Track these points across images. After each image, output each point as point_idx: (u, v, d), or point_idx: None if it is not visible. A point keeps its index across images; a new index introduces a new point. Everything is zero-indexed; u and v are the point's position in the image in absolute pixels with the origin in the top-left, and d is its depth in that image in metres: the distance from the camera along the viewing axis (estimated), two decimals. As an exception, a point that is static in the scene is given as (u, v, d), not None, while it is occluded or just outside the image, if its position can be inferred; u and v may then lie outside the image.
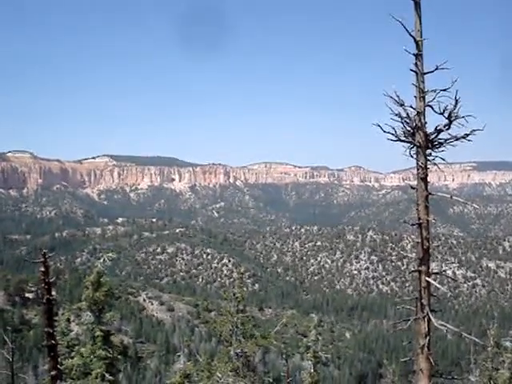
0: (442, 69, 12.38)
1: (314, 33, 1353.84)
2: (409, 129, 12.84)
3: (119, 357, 21.59)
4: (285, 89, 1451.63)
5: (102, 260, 21.42)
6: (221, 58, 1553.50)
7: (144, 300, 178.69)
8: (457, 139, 12.80)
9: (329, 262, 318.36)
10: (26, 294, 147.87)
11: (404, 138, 12.92)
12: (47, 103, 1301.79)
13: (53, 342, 19.47)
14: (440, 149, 12.94)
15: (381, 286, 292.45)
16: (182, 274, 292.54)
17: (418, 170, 12.96)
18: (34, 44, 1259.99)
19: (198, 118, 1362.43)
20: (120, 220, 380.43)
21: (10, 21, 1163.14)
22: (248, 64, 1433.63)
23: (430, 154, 12.94)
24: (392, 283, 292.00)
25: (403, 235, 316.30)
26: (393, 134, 12.90)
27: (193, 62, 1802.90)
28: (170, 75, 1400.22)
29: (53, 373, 19.62)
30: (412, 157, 13.03)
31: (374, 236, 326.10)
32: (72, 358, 20.93)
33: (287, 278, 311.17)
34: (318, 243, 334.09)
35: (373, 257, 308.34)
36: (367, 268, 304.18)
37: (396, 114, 12.76)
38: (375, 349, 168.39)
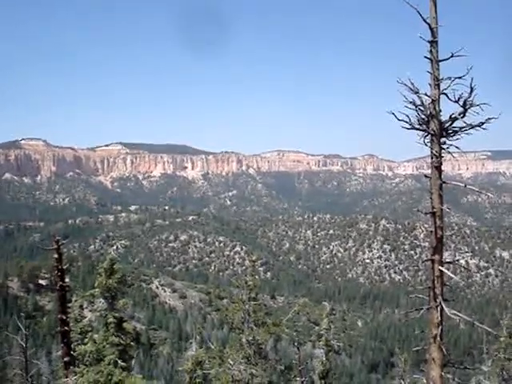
0: (458, 56, 12.24)
1: (327, 15, 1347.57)
2: (423, 117, 12.72)
3: (132, 343, 21.69)
4: (297, 76, 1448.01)
5: (114, 247, 21.43)
6: (233, 44, 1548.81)
7: (157, 287, 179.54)
8: (472, 127, 12.68)
9: (341, 250, 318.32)
10: (40, 281, 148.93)
11: (418, 126, 12.82)
12: (60, 91, 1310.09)
13: (66, 328, 19.61)
14: (454, 137, 12.83)
15: (393, 275, 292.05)
16: (194, 261, 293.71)
17: (431, 158, 12.86)
18: (47, 33, 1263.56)
19: (210, 106, 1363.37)
20: (133, 208, 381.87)
21: (23, 4, 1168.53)
22: (261, 51, 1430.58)
23: (445, 142, 12.83)
24: (404, 272, 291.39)
25: (416, 224, 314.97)
26: (407, 122, 12.79)
27: (204, 50, 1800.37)
28: (183, 64, 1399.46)
29: (66, 359, 19.77)
30: (426, 145, 12.92)
31: (387, 225, 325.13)
32: (85, 344, 21.04)
33: (299, 267, 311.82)
34: (331, 232, 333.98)
35: (385, 246, 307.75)
36: (380, 257, 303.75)
37: (410, 102, 12.64)
38: (387, 338, 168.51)
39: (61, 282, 19.21)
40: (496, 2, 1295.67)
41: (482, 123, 12.57)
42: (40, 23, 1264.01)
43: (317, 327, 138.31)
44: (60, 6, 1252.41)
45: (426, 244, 13.36)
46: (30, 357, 24.25)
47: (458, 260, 14.30)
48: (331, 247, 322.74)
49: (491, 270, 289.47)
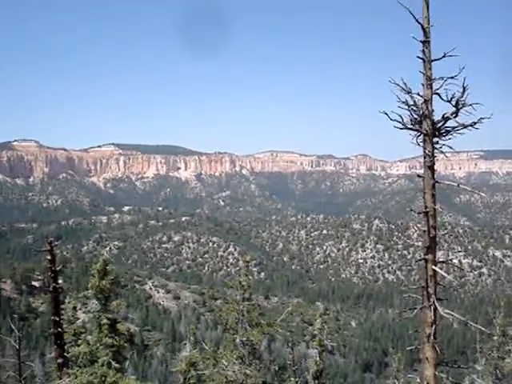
0: (450, 56, 12.26)
1: (322, 17, 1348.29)
2: (416, 117, 12.73)
3: (125, 345, 21.61)
4: (292, 76, 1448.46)
5: (108, 248, 21.38)
6: (227, 46, 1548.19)
7: (150, 288, 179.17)
8: (464, 127, 12.70)
9: (335, 250, 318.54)
10: (33, 283, 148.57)
11: (411, 126, 12.82)
12: (53, 92, 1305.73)
13: (59, 329, 19.54)
14: (447, 137, 12.84)
15: (387, 275, 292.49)
16: (187, 262, 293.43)
17: (424, 158, 12.86)
18: (47, 32, 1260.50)
19: (203, 107, 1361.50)
20: (126, 209, 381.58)
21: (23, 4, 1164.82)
22: (255, 53, 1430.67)
23: (437, 142, 12.83)
24: (398, 272, 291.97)
25: (409, 224, 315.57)
26: (400, 122, 12.79)
27: (196, 51, 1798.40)
28: (178, 65, 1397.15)
29: (59, 360, 19.70)
30: (419, 145, 12.92)
31: (380, 225, 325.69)
32: (78, 345, 20.96)
33: (293, 267, 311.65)
34: (324, 232, 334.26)
35: (379, 245, 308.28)
36: (373, 257, 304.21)
37: (403, 102, 12.65)
38: (381, 337, 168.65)
39: (54, 284, 19.15)
40: (496, 2, 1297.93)
41: (475, 123, 12.59)
42: (40, 23, 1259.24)
43: (310, 327, 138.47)
44: (60, 6, 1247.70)
45: (420, 243, 13.36)
46: (23, 359, 24.13)
47: (451, 259, 14.35)
48: (325, 247, 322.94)
49: (484, 270, 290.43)
